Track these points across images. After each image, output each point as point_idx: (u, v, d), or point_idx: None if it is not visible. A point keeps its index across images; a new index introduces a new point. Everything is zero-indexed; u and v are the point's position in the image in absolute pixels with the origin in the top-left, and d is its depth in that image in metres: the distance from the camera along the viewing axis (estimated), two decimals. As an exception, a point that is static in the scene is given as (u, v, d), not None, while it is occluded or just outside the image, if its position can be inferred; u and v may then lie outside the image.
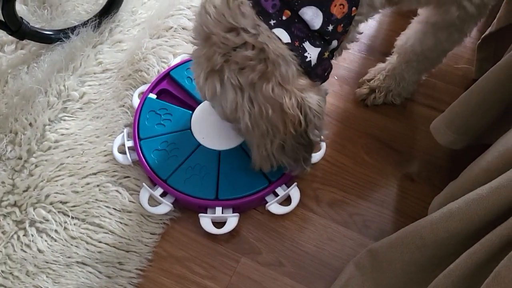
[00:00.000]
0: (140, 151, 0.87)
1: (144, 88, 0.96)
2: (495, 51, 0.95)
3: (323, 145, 0.91)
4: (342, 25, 0.65)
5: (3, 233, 0.82)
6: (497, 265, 0.44)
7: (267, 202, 0.84)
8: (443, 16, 0.77)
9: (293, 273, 0.80)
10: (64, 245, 0.81)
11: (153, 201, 0.85)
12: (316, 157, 0.90)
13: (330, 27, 0.63)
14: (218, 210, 0.82)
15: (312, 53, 0.64)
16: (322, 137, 0.72)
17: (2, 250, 0.80)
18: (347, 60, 1.07)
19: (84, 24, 1.05)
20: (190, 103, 0.93)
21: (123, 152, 0.88)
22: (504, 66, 0.65)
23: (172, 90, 0.95)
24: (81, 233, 0.82)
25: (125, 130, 0.90)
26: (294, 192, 0.86)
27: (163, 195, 0.84)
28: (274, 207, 0.84)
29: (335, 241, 0.84)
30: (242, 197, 0.83)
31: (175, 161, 0.86)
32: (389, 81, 0.97)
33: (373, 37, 1.12)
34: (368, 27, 1.12)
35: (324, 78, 0.71)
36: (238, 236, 0.84)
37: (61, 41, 1.03)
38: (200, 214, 0.82)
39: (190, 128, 0.89)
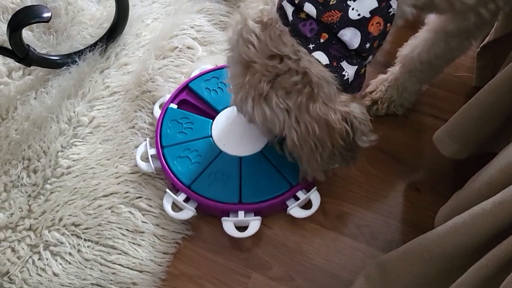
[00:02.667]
0: (163, 159, 0.89)
1: (164, 99, 0.99)
2: (494, 59, 0.96)
3: None
4: (377, 41, 0.68)
5: (18, 257, 0.83)
6: (503, 280, 0.45)
7: (287, 207, 0.86)
8: (460, 24, 0.78)
9: (304, 287, 0.81)
10: (78, 268, 0.82)
11: (175, 208, 0.87)
12: None
13: (368, 45, 0.66)
14: (241, 214, 0.84)
15: (349, 71, 0.67)
16: (370, 141, 0.75)
17: (18, 275, 0.81)
18: (348, 72, 1.08)
19: (91, 48, 1.06)
20: (209, 112, 0.96)
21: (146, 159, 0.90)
22: (503, 78, 0.66)
23: (192, 100, 0.98)
24: (94, 255, 0.83)
25: (148, 139, 0.93)
26: (315, 196, 0.87)
27: (186, 200, 0.86)
28: (296, 211, 0.86)
29: (344, 253, 0.85)
30: (264, 200, 0.84)
31: (198, 168, 0.88)
32: (391, 92, 0.97)
33: (373, 49, 1.13)
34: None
35: (358, 90, 0.74)
36: (248, 252, 0.85)
37: (67, 66, 1.04)
38: (223, 218, 0.84)
39: (211, 136, 0.92)
